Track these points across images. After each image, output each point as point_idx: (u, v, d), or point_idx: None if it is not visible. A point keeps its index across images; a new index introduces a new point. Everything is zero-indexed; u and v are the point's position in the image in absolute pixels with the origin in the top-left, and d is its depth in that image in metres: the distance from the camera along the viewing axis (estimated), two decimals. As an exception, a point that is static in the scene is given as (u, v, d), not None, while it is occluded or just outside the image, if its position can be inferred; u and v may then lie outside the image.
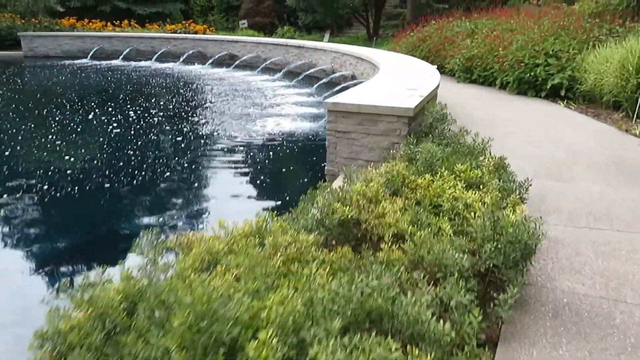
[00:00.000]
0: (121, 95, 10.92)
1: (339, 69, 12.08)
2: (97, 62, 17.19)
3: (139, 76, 13.97)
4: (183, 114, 9.01)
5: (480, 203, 2.99)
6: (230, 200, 5.13)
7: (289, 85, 12.23)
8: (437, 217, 3.03)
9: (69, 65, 16.50)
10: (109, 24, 23.34)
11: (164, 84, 12.68)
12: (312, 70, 13.22)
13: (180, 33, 22.38)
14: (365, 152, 4.70)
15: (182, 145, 6.87)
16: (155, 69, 15.69)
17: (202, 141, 7.17)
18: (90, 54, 18.16)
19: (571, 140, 6.00)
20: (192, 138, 7.26)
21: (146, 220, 4.61)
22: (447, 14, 15.33)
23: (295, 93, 11.01)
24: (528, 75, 9.09)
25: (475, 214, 2.90)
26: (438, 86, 6.33)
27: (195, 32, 23.45)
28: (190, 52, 17.35)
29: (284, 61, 14.61)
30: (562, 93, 8.60)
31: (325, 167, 4.96)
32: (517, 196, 3.25)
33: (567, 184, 4.48)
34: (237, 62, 15.96)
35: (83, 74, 14.42)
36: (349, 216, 3.06)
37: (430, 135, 4.58)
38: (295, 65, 13.95)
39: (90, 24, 22.91)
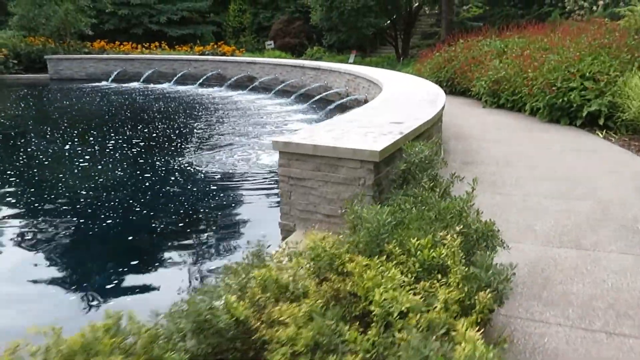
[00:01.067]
0: (112, 122, 10.36)
1: (352, 92, 11.18)
2: (117, 85, 17.03)
3: (147, 100, 13.55)
4: (165, 143, 8.25)
5: (421, 313, 1.97)
6: (150, 268, 4.19)
7: (297, 110, 11.44)
8: (363, 329, 2.05)
9: (86, 88, 16.40)
10: (139, 46, 23.43)
11: (166, 108, 12.13)
12: (326, 93, 12.40)
13: (207, 54, 22.16)
14: (324, 205, 3.74)
15: (134, 184, 5.98)
16: (169, 92, 15.30)
17: (167, 176, 6.33)
18: (112, 76, 18.09)
19: (604, 185, 4.82)
20: (157, 173, 6.42)
21: None
22: (479, 32, 14.16)
23: (300, 119, 10.17)
24: (561, 100, 7.90)
25: (410, 333, 1.89)
26: (438, 116, 5.31)
27: (224, 54, 23.19)
28: (210, 74, 16.92)
29: (301, 83, 13.86)
30: (601, 122, 7.36)
31: (279, 222, 4.02)
32: (490, 294, 2.20)
33: (587, 255, 3.35)
34: (254, 84, 15.36)
35: (91, 97, 14.18)
36: (241, 319, 2.13)
37: (405, 185, 3.58)
38: (311, 87, 13.17)
39: (122, 46, 23.06)
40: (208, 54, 22.70)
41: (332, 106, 11.12)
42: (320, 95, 12.43)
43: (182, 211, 5.11)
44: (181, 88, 16.26)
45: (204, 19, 29.27)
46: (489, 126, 8.10)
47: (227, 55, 22.90)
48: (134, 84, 17.26)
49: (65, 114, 11.61)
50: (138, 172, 6.44)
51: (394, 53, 20.38)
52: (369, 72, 10.17)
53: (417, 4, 19.76)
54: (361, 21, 16.84)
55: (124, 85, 17.10)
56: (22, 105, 12.92)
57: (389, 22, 18.71)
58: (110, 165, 6.69)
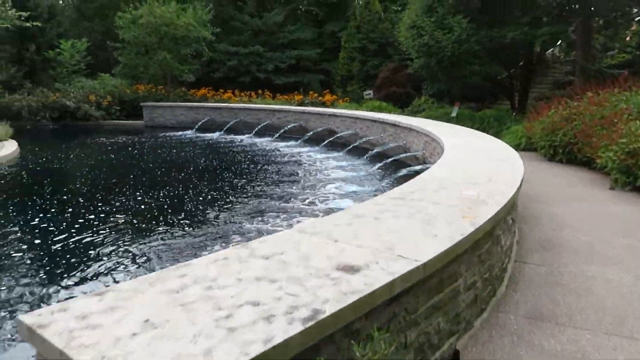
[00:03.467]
0: (127, 184, 8.58)
1: (429, 157, 8.79)
2: (197, 134, 16.40)
3: (203, 154, 12.29)
4: (152, 221, 6.41)
5: None
6: None
7: (359, 178, 9.27)
8: None
9: (165, 136, 15.90)
10: (242, 94, 23.23)
11: (214, 165, 10.69)
12: (403, 156, 10.13)
13: (307, 104, 21.15)
14: None
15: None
16: (240, 145, 14.08)
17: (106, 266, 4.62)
18: (198, 125, 17.62)
19: None
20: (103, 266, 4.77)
21: None
22: (618, 83, 10.85)
23: (352, 192, 8.03)
24: None
25: None
26: (472, 241, 2.91)
27: (324, 103, 22.02)
28: (291, 125, 15.54)
29: (380, 141, 11.73)
30: None
31: None
32: None
33: None
34: (332, 138, 13.57)
35: (153, 148, 13.29)
36: None
37: None
38: (389, 147, 11.00)
39: (225, 94, 23.03)
40: (308, 103, 21.66)
41: (404, 172, 8.76)
42: (396, 157, 10.19)
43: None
44: (257, 140, 15.04)
45: (314, 66, 28.70)
46: (608, 226, 5.24)
47: (327, 105, 21.66)
48: (215, 134, 16.50)
49: (99, 167, 10.53)
50: (63, 263, 4.80)
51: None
52: (441, 135, 7.76)
53: (539, 50, 16.64)
54: (463, 69, 14.31)
55: (205, 134, 16.42)
56: (69, 154, 12.07)
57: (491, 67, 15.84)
58: (32, 248, 5.11)
